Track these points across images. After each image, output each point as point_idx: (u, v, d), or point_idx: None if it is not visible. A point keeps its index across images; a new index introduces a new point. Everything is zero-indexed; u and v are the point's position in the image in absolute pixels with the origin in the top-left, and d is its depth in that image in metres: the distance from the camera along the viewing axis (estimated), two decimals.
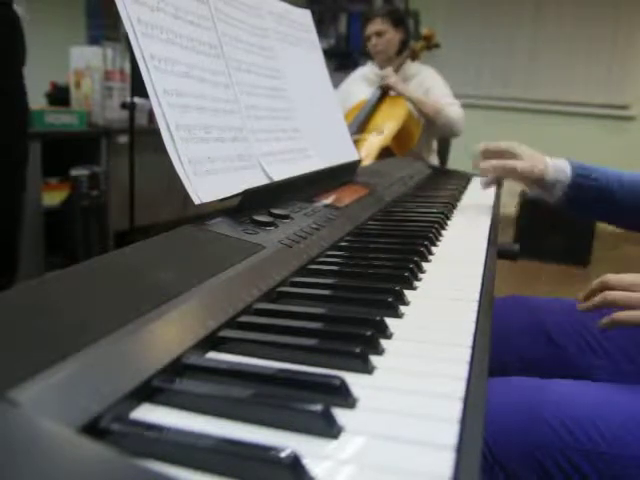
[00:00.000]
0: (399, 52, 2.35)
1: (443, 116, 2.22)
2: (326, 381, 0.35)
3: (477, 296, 0.55)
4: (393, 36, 2.32)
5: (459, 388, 0.36)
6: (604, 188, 0.93)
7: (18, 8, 1.34)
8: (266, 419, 0.32)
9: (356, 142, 1.89)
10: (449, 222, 0.92)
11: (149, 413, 0.32)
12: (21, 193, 1.42)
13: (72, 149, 2.30)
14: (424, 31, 2.44)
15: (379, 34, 2.31)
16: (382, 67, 2.36)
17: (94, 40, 4.46)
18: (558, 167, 0.95)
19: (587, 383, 0.68)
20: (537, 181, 0.96)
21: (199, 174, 0.62)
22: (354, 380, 0.36)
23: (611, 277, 0.70)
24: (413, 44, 2.39)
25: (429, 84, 2.32)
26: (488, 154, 1.02)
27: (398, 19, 2.34)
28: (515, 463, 0.58)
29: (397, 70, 2.32)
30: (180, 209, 1.97)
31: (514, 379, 0.70)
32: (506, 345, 0.87)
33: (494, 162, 0.99)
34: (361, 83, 2.41)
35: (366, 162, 1.82)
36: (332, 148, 1.02)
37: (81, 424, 0.28)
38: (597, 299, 0.70)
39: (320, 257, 0.64)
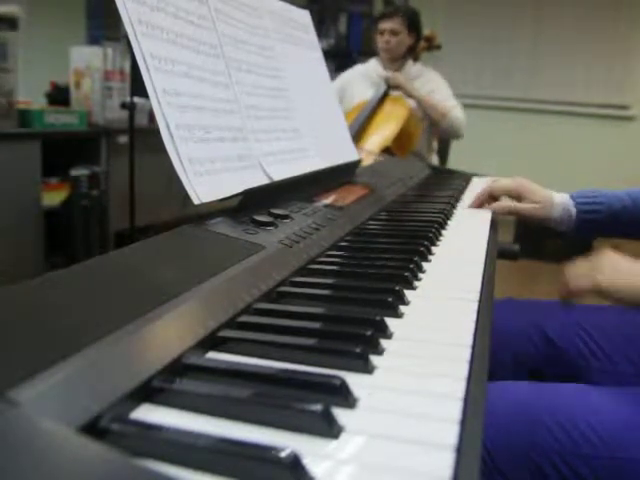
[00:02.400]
0: (404, 55, 2.36)
1: (448, 119, 2.25)
2: (326, 381, 0.35)
3: (477, 296, 0.55)
4: (405, 38, 2.32)
5: (459, 388, 0.36)
6: (608, 214, 0.94)
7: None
8: (266, 419, 0.31)
9: (357, 143, 1.89)
10: (449, 222, 0.92)
11: (149, 413, 0.32)
12: None
13: (72, 149, 2.30)
14: (426, 32, 2.44)
15: (394, 32, 2.30)
16: (385, 66, 2.36)
17: (94, 40, 4.45)
18: (565, 207, 0.96)
19: (585, 386, 0.68)
20: (542, 222, 0.98)
21: (199, 174, 0.62)
22: (354, 380, 0.36)
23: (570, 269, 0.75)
24: None
25: (432, 86, 2.33)
26: (496, 194, 1.04)
27: (414, 24, 2.34)
28: (513, 466, 0.58)
29: (398, 70, 2.33)
30: (180, 209, 1.97)
31: (512, 383, 0.69)
32: (504, 348, 0.87)
33: (498, 204, 1.02)
34: (362, 81, 2.41)
35: (366, 163, 1.82)
36: (332, 148, 1.02)
37: (81, 424, 0.28)
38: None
39: (320, 257, 0.64)
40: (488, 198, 1.05)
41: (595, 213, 0.95)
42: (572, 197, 0.97)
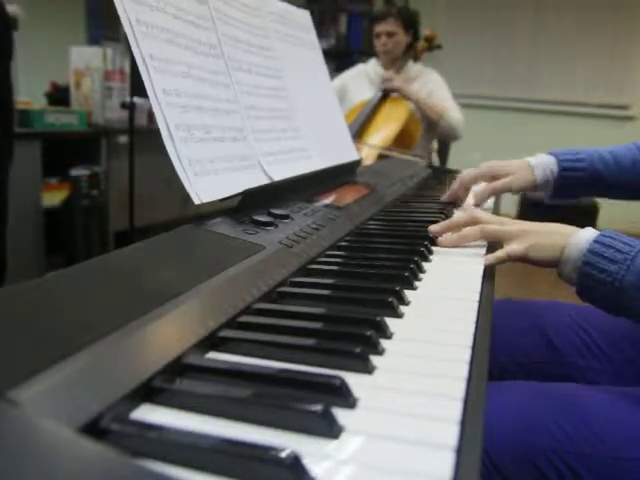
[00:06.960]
0: (403, 54, 2.36)
1: (445, 121, 2.25)
2: (326, 381, 0.35)
3: (477, 296, 0.55)
4: (402, 38, 2.32)
5: (459, 388, 0.36)
6: (591, 171, 0.94)
7: (12, 7, 1.32)
8: (266, 419, 0.31)
9: (357, 144, 1.89)
10: None
11: (149, 413, 0.32)
12: (6, 192, 1.41)
13: (72, 149, 2.30)
14: (426, 32, 2.44)
15: (390, 34, 2.30)
16: (385, 67, 2.36)
17: (94, 40, 4.45)
18: (545, 166, 0.96)
19: (585, 386, 0.68)
20: (532, 188, 0.98)
21: (199, 174, 0.62)
22: (354, 380, 0.36)
23: (481, 215, 0.75)
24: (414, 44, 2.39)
25: (432, 87, 2.33)
26: (467, 184, 1.03)
27: (410, 23, 2.34)
28: (512, 466, 0.58)
29: (399, 71, 2.32)
30: (180, 209, 1.97)
31: (512, 383, 0.69)
32: (504, 348, 0.86)
33: (483, 188, 0.99)
34: (362, 81, 2.41)
35: (367, 163, 1.82)
36: (332, 148, 1.02)
37: (81, 424, 0.28)
38: (474, 230, 0.73)
39: (320, 257, 0.64)
40: (462, 191, 1.03)
41: (577, 171, 0.94)
42: (553, 154, 0.97)
